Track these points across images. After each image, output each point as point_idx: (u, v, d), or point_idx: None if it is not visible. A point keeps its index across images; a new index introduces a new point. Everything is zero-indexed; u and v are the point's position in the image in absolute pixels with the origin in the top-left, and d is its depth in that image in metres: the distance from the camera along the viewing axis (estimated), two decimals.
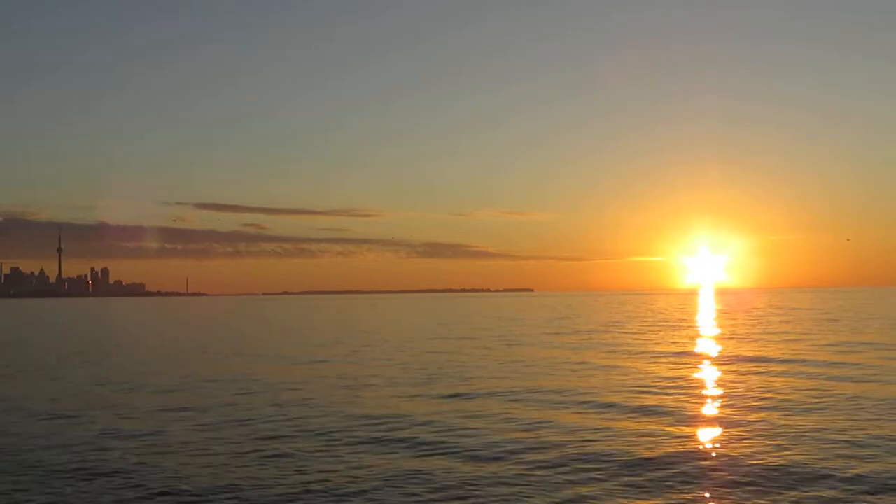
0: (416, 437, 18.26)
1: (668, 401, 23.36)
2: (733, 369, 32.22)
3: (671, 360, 36.63)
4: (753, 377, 29.12)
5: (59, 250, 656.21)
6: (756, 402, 22.98)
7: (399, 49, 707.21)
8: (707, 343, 47.76)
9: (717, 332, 59.46)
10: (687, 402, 23.30)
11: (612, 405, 22.59)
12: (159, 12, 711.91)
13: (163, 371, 34.31)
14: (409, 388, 27.16)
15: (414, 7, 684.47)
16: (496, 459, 15.95)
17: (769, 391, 25.12)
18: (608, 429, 18.95)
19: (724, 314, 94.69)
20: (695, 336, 54.43)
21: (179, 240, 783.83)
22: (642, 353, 40.50)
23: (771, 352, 39.57)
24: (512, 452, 16.50)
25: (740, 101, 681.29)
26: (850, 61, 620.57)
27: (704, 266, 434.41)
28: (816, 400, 23.10)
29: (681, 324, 72.27)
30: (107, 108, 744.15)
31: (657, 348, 43.35)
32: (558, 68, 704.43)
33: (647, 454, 16.20)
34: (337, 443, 17.83)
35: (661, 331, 60.85)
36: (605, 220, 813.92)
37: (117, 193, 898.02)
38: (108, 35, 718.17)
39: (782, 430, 18.48)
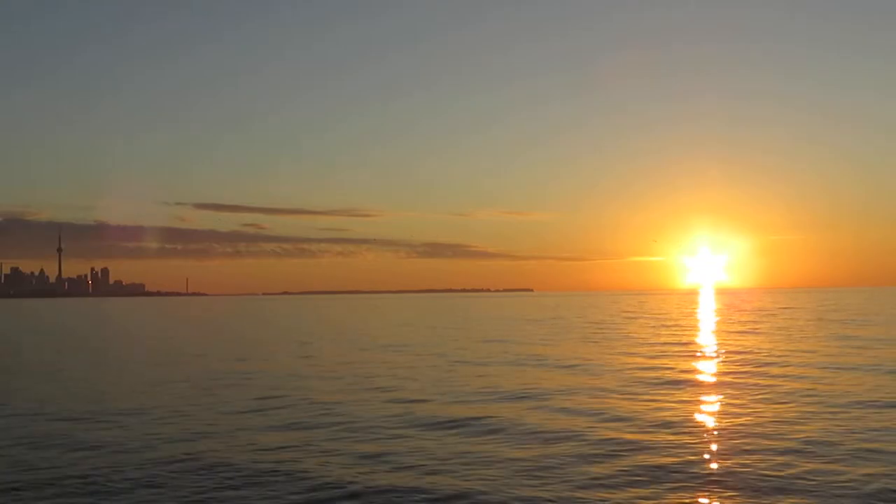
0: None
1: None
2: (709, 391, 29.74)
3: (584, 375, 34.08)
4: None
5: (59, 250, 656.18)
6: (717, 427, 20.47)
7: (399, 49, 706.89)
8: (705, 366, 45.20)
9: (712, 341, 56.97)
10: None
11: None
12: (159, 12, 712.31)
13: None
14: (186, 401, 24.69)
15: (414, 7, 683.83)
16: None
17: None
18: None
19: (720, 314, 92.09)
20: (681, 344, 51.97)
21: (179, 240, 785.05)
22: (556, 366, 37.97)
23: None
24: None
25: (740, 101, 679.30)
26: (850, 61, 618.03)
27: (704, 266, 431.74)
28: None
29: (666, 326, 69.84)
30: (107, 108, 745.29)
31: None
32: (558, 68, 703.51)
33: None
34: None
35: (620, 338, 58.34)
36: (605, 220, 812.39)
37: (117, 193, 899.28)
38: (108, 35, 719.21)
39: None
